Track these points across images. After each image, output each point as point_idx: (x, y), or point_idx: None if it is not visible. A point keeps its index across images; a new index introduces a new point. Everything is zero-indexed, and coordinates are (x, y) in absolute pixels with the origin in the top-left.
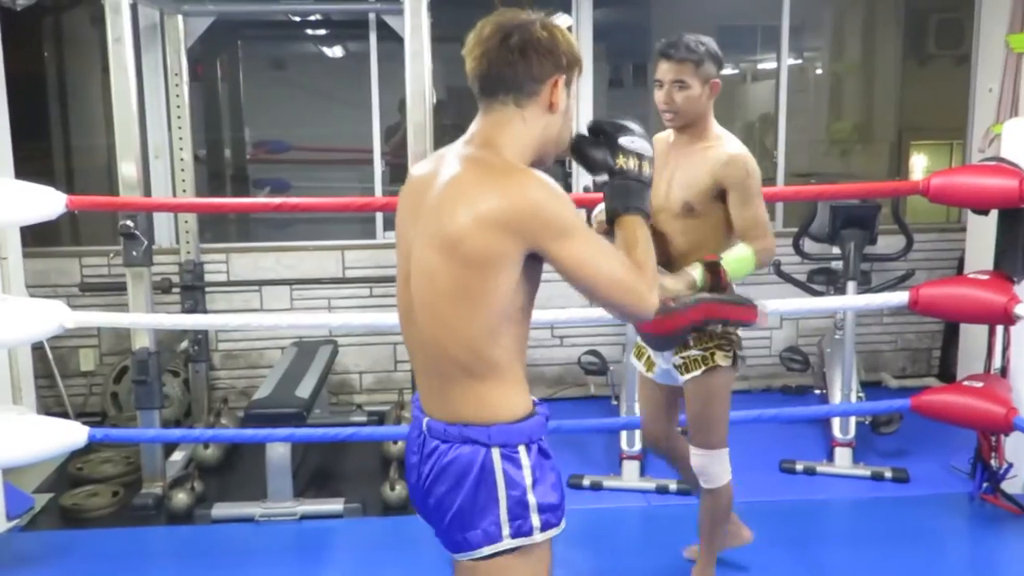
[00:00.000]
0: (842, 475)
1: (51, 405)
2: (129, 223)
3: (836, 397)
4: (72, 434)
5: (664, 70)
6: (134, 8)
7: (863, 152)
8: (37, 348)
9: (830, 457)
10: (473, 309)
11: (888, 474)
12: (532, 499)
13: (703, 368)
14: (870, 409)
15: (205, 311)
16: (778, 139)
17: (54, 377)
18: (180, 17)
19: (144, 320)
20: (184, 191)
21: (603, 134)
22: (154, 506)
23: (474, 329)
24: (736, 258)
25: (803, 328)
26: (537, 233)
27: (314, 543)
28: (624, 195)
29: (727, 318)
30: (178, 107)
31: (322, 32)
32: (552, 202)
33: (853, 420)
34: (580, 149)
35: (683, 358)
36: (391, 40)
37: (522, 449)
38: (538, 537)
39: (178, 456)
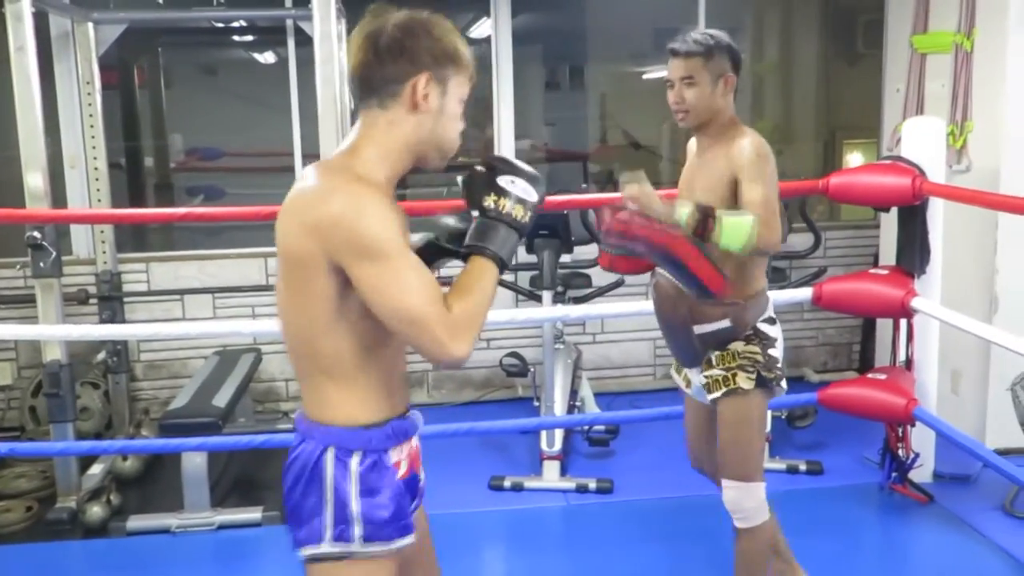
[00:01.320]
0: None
1: None
2: (36, 234)
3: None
4: None
5: (673, 67)
6: (43, 17)
7: (792, 152)
8: None
9: None
10: (301, 308)
11: (803, 467)
12: (355, 508)
13: (724, 390)
14: (780, 403)
15: (124, 322)
16: None
17: None
18: (90, 25)
19: (51, 332)
20: (99, 200)
21: (489, 170)
22: (68, 520)
23: (306, 328)
24: (734, 221)
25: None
26: (339, 248)
27: (231, 553)
28: (482, 235)
29: (684, 264)
30: (91, 115)
31: (249, 38)
32: (361, 220)
33: (769, 414)
34: (465, 180)
35: (707, 377)
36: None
37: (356, 456)
38: (357, 548)
39: (96, 469)
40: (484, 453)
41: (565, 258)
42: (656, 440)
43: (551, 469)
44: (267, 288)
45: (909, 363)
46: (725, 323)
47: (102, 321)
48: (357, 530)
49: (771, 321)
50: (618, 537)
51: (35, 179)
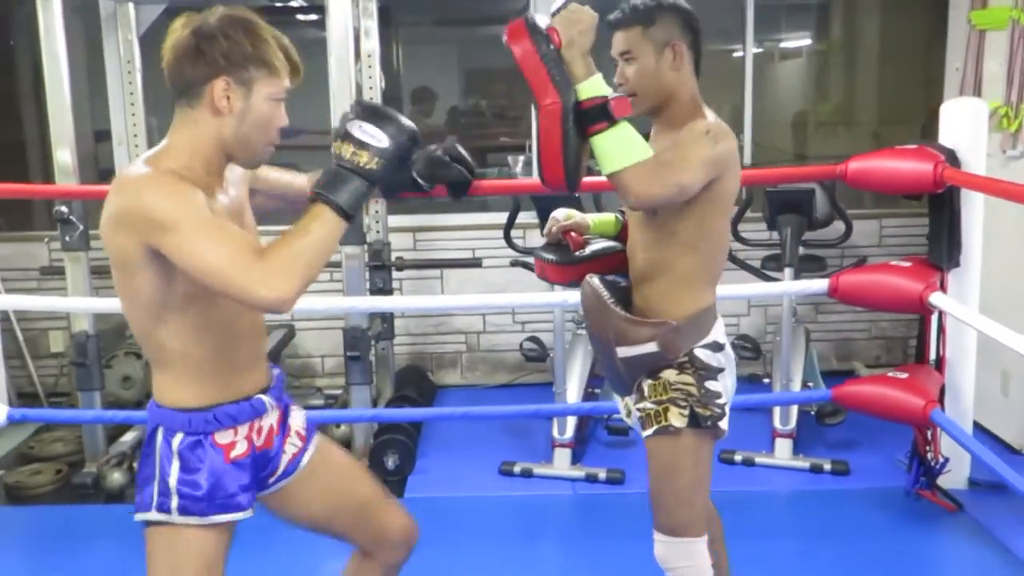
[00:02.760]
0: (781, 467)
1: (23, 385)
2: (64, 209)
3: (776, 387)
4: None
5: (613, 44)
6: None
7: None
8: (7, 329)
9: (771, 448)
10: (131, 304)
11: (827, 467)
12: (172, 482)
13: (654, 427)
14: (796, 399)
15: None
16: (744, 123)
17: (25, 358)
18: (131, 5)
19: (75, 304)
20: None
21: (345, 117)
22: (92, 485)
23: (139, 323)
24: (624, 139)
25: (771, 315)
26: (146, 230)
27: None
28: (324, 181)
29: (541, 134)
30: (131, 94)
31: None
32: (155, 197)
33: (795, 410)
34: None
35: (639, 410)
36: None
37: (178, 436)
38: (176, 519)
39: (128, 437)
40: (503, 438)
41: None
42: None
43: (562, 457)
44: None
45: (940, 362)
46: (651, 347)
47: None
48: (174, 502)
49: (715, 347)
50: (619, 529)
51: (64, 155)
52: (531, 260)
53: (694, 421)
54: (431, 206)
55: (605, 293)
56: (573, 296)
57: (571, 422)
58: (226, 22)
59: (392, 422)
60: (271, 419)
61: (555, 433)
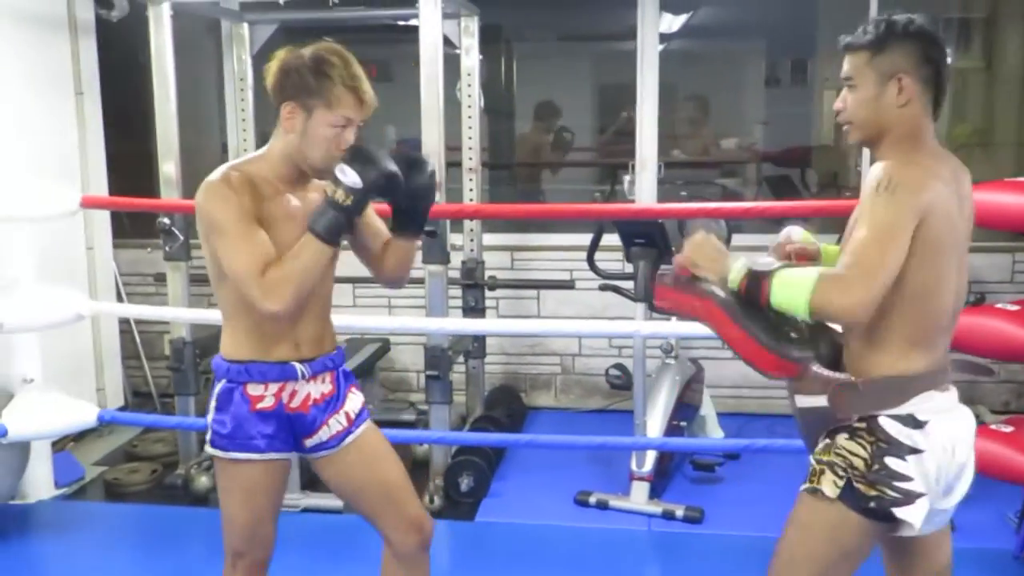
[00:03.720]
0: None
1: (139, 385)
2: (166, 220)
3: None
4: (82, 414)
5: (843, 65)
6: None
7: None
8: (126, 331)
9: None
10: (208, 264)
11: None
12: (209, 418)
13: (807, 484)
14: None
15: None
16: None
17: (141, 359)
18: (245, 25)
19: (169, 313)
20: None
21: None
22: (182, 486)
23: (212, 281)
24: (788, 278)
25: None
26: (202, 223)
27: (310, 537)
28: (313, 214)
29: (726, 341)
30: (243, 110)
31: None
32: (208, 203)
33: None
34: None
35: (811, 463)
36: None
37: (221, 382)
38: (210, 450)
39: None
40: (585, 465)
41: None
42: (775, 472)
43: (639, 490)
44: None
45: None
46: (821, 400)
47: None
48: (209, 435)
49: (910, 421)
50: (688, 571)
51: (168, 168)
52: (622, 284)
53: (850, 495)
54: (527, 226)
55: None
56: (657, 327)
57: (650, 455)
58: (303, 60)
59: (469, 445)
60: (310, 388)
61: (633, 466)
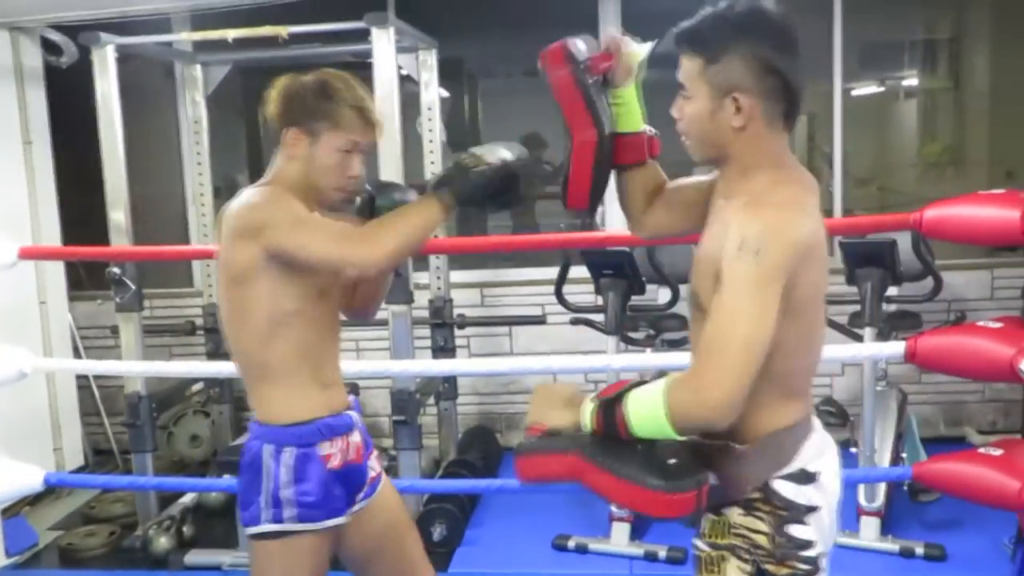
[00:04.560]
0: (867, 549)
1: (101, 442)
2: (116, 270)
3: (861, 460)
4: (27, 478)
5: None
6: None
7: None
8: (84, 387)
9: (856, 527)
10: (243, 320)
11: (920, 550)
12: (287, 493)
13: None
14: (875, 476)
15: (228, 353)
16: (834, 168)
17: (101, 415)
18: (198, 67)
19: (124, 368)
20: (206, 235)
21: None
22: (141, 549)
23: (248, 339)
24: (640, 405)
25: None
26: (271, 234)
27: None
28: (437, 179)
29: (602, 494)
30: (198, 154)
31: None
32: (278, 206)
33: (882, 485)
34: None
35: (696, 550)
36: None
37: (288, 450)
38: (290, 526)
39: (187, 499)
40: (562, 507)
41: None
42: None
43: (620, 531)
44: (373, 323)
45: None
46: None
47: (207, 352)
48: (288, 512)
49: (802, 477)
50: None
51: (117, 216)
52: (593, 317)
53: None
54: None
55: None
56: (631, 359)
57: None
58: (306, 83)
59: (441, 492)
60: (356, 436)
61: (613, 507)
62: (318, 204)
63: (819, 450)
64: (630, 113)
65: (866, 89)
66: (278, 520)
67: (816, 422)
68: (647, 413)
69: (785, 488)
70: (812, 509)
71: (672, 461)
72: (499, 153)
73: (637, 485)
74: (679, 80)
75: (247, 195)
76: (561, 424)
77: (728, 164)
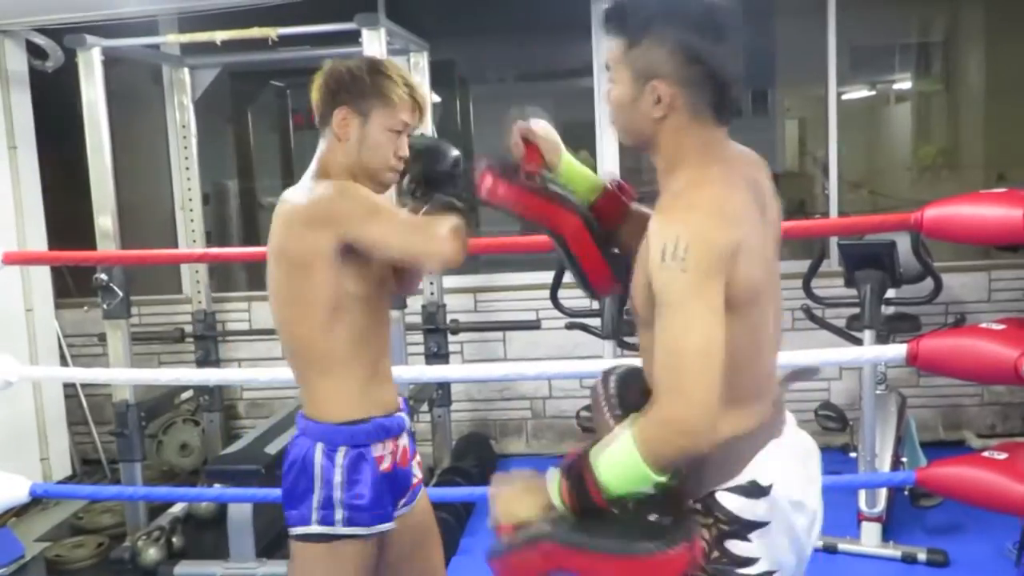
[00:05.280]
0: (868, 555)
1: (88, 451)
2: (103, 276)
3: (861, 465)
4: (12, 489)
5: None
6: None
7: None
8: (72, 396)
9: (856, 533)
10: (299, 310)
11: (922, 556)
12: (339, 495)
13: None
14: (877, 481)
15: (217, 361)
16: (829, 173)
17: (89, 424)
18: (186, 70)
19: (114, 375)
20: (194, 240)
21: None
22: (130, 560)
23: (304, 330)
24: (614, 456)
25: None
26: (348, 221)
27: None
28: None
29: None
30: (186, 158)
31: None
32: (357, 194)
33: (884, 491)
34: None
35: None
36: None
37: (342, 450)
38: (340, 530)
39: (176, 508)
40: None
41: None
42: None
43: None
44: None
45: None
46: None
47: (196, 360)
48: (339, 514)
49: (751, 490)
50: None
51: (104, 221)
52: (588, 322)
53: None
54: (491, 265)
55: (610, 400)
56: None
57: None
58: (354, 62)
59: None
60: (405, 439)
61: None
62: (372, 186)
63: (782, 458)
64: (583, 180)
65: (857, 93)
66: (328, 522)
67: (788, 430)
68: (621, 464)
69: (729, 500)
70: (758, 525)
71: (652, 517)
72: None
73: (626, 556)
74: (606, 62)
75: (313, 186)
76: (529, 513)
77: (655, 155)
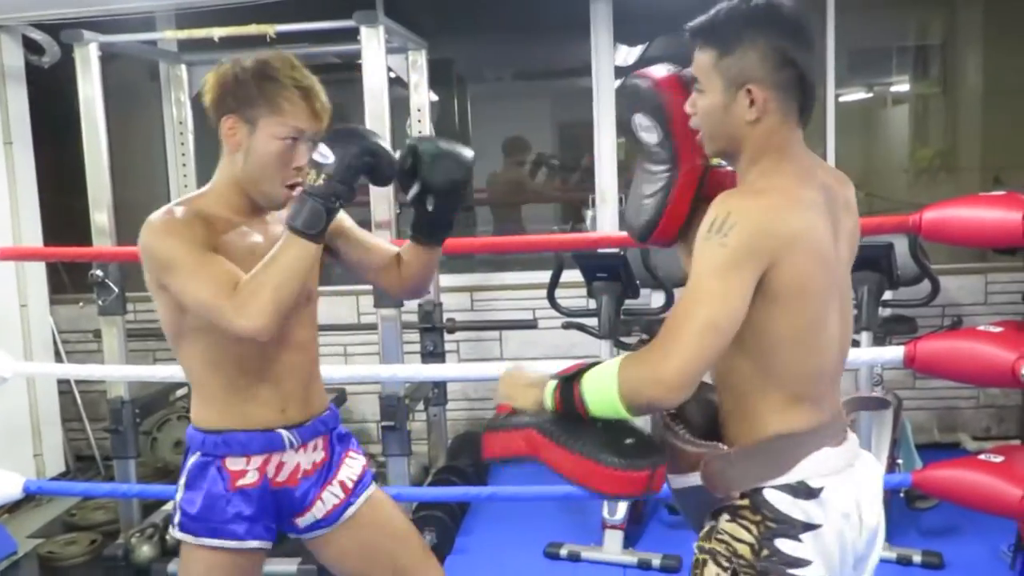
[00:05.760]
0: None
1: (83, 448)
2: (98, 272)
3: None
4: (7, 485)
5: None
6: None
7: None
8: (66, 392)
9: None
10: (163, 325)
11: (917, 558)
12: (178, 497)
13: None
14: None
15: None
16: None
17: (83, 421)
18: (183, 67)
19: (108, 372)
20: None
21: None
22: (123, 557)
23: (170, 342)
24: (596, 378)
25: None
26: (152, 267)
27: None
28: (291, 211)
29: (556, 469)
30: (183, 155)
31: None
32: (154, 241)
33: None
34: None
35: (696, 546)
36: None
37: (194, 456)
38: (177, 534)
39: (171, 506)
40: (555, 514)
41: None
42: None
43: (613, 539)
44: (361, 327)
45: None
46: (694, 479)
47: None
48: (176, 517)
49: (800, 491)
50: None
51: (101, 218)
52: (585, 322)
53: None
54: (487, 264)
55: None
56: None
57: (623, 502)
58: (242, 65)
59: (431, 500)
60: (299, 458)
61: (605, 513)
62: (266, 203)
63: (836, 467)
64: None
65: (854, 95)
66: (173, 524)
67: (849, 438)
68: (601, 390)
69: (778, 499)
70: (811, 526)
71: (629, 441)
72: (337, 149)
73: (590, 460)
74: (692, 75)
75: (159, 211)
76: (526, 403)
77: (739, 157)
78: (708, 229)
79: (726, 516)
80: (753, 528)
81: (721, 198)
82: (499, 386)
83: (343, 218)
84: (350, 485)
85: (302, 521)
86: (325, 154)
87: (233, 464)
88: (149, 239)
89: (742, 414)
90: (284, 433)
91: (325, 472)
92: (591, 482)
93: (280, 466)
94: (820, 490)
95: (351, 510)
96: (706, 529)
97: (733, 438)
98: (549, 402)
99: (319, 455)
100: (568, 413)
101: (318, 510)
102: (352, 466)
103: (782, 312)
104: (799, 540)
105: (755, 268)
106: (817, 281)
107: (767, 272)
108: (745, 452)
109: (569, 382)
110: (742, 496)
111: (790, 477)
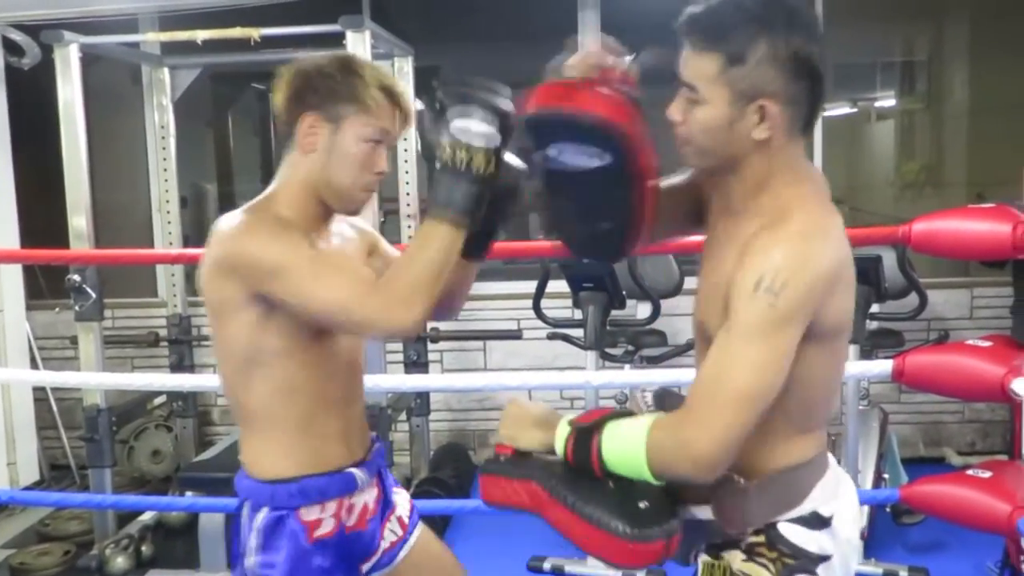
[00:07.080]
0: None
1: (57, 456)
2: (76, 277)
3: None
4: None
5: (681, 61)
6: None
7: None
8: (42, 399)
9: None
10: (223, 356)
11: (903, 573)
12: (251, 561)
13: None
14: (861, 500)
15: (192, 365)
16: None
17: (58, 429)
18: (166, 70)
19: (84, 379)
20: (171, 243)
21: (441, 108)
22: (96, 569)
23: (228, 377)
24: (621, 436)
25: (848, 393)
26: (253, 276)
27: None
28: (433, 192)
29: (562, 532)
30: (164, 159)
31: None
32: (258, 243)
33: (865, 507)
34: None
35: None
36: None
37: (262, 512)
38: None
39: (147, 516)
40: (539, 525)
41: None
42: None
43: None
44: None
45: None
46: (705, 512)
47: (170, 364)
48: None
49: (814, 521)
50: None
51: (79, 222)
52: (571, 332)
53: None
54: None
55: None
56: (610, 376)
57: None
58: (324, 59)
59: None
60: (365, 497)
61: None
62: (340, 207)
63: (833, 490)
64: None
65: (839, 110)
66: None
67: (831, 457)
68: (625, 451)
69: (793, 533)
70: (824, 559)
71: (643, 505)
72: (480, 128)
73: (600, 529)
74: (683, 78)
75: (241, 219)
76: (532, 446)
77: (735, 176)
78: (755, 286)
79: (740, 556)
80: (771, 566)
81: (766, 243)
82: (501, 425)
83: (377, 236)
84: (406, 521)
85: (366, 566)
86: (477, 135)
87: (307, 514)
88: (246, 246)
89: (755, 446)
90: (356, 472)
91: (383, 509)
92: (603, 554)
93: (350, 509)
94: (831, 519)
95: (404, 550)
96: (704, 564)
97: (745, 471)
98: (561, 449)
99: (375, 491)
100: (579, 466)
101: (378, 550)
102: (401, 501)
103: (817, 352)
104: (815, 573)
105: (804, 322)
106: (845, 319)
107: (813, 318)
108: (762, 485)
109: (587, 434)
110: (755, 532)
111: (803, 508)
